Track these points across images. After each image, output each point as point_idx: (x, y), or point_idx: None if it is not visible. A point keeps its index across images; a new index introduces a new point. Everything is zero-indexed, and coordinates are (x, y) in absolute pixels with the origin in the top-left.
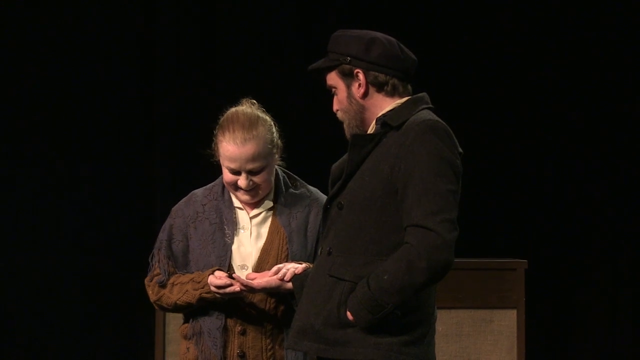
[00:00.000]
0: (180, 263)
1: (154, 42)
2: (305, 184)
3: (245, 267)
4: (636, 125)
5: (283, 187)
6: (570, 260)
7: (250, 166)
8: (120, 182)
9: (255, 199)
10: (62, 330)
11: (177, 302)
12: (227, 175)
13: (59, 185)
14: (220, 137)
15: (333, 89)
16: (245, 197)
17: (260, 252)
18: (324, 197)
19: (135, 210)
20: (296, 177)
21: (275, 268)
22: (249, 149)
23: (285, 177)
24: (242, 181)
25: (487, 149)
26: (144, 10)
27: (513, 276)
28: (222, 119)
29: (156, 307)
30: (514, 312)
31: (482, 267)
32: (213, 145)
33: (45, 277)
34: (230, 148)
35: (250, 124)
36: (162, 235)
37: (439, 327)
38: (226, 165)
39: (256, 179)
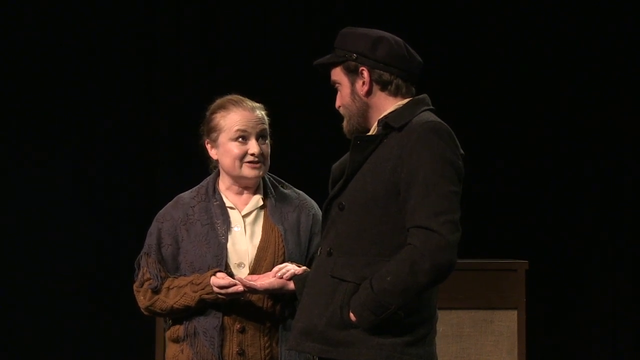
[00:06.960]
0: (170, 267)
1: (155, 41)
2: (291, 186)
3: (243, 265)
4: (637, 127)
5: (271, 187)
6: (571, 260)
7: (260, 127)
8: (120, 181)
9: (261, 173)
10: (62, 330)
11: (174, 305)
12: (235, 148)
13: (58, 185)
14: (222, 114)
15: (337, 85)
16: (254, 172)
17: (257, 250)
18: (310, 200)
19: (136, 209)
20: (281, 180)
21: (276, 268)
22: (257, 112)
23: (272, 179)
24: (253, 147)
25: (488, 149)
26: (145, 7)
27: (514, 277)
28: (214, 104)
29: (146, 313)
30: (515, 312)
31: (483, 267)
32: (205, 131)
33: (45, 277)
34: (240, 112)
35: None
36: (150, 240)
37: (439, 327)
38: (235, 132)
39: (264, 147)
